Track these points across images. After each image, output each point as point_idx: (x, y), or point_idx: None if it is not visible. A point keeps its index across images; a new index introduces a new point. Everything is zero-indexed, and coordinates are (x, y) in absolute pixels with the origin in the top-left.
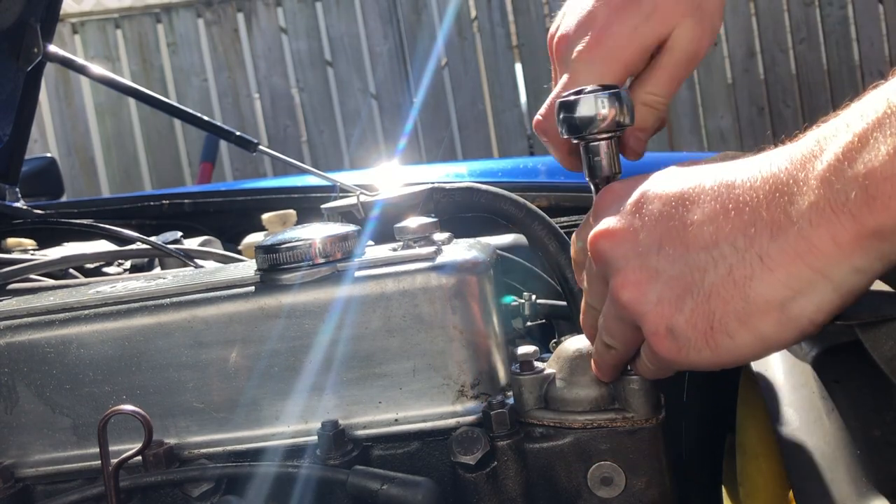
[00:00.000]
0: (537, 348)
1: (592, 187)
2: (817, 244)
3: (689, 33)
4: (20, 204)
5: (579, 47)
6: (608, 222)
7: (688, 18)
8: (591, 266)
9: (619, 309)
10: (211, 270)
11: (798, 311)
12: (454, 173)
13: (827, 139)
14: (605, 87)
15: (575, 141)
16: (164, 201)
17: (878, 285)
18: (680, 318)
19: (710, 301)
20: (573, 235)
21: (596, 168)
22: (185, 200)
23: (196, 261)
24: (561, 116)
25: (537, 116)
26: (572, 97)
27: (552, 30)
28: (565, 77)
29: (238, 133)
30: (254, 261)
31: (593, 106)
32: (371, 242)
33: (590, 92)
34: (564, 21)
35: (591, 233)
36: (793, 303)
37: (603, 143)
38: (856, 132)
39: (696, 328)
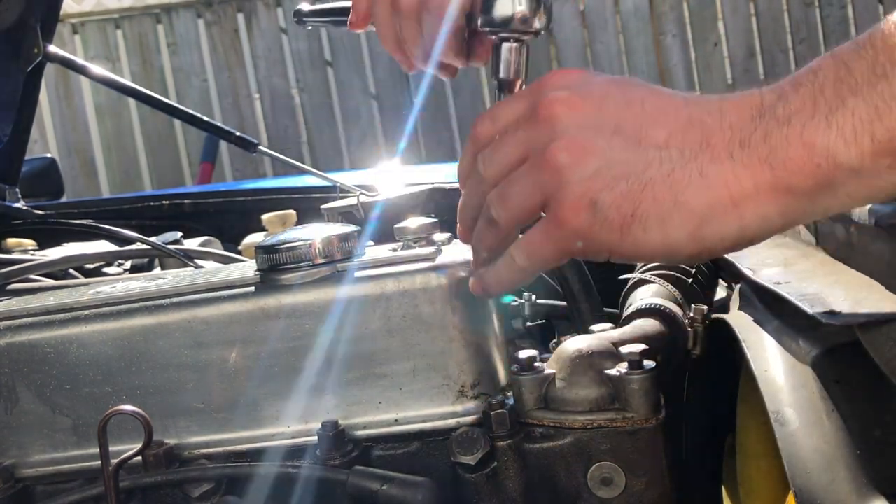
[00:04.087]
0: (536, 352)
1: (497, 84)
2: (742, 181)
3: None
4: (20, 204)
5: None
6: (570, 93)
7: None
8: (523, 130)
9: (542, 171)
10: (211, 271)
11: (708, 231)
12: (454, 174)
13: (775, 102)
14: None
15: (491, 36)
16: (163, 202)
17: (880, 287)
18: (608, 196)
19: (643, 191)
20: (487, 112)
21: (503, 68)
22: (185, 201)
23: (196, 261)
24: (483, 8)
25: None
26: None
27: None
28: None
29: (238, 133)
30: (254, 261)
31: (510, 5)
32: (371, 243)
33: None
34: None
35: (548, 95)
36: (707, 223)
37: (514, 44)
38: (792, 103)
39: (619, 210)
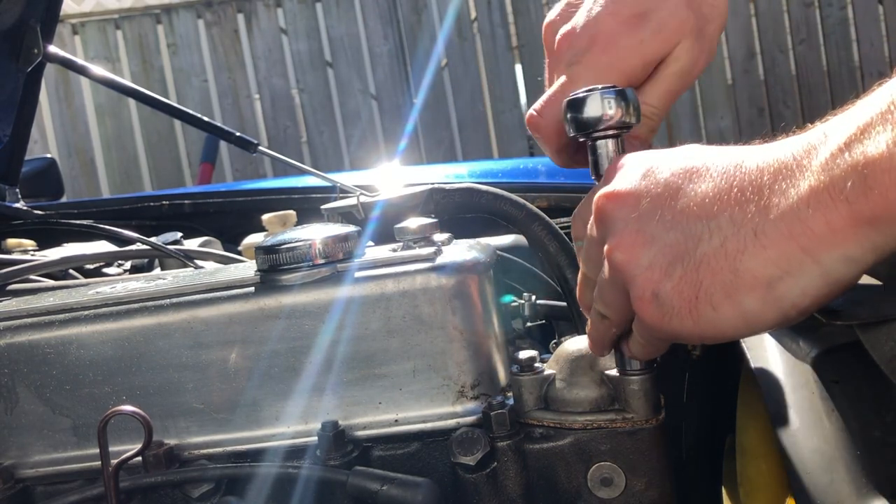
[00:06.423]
0: (536, 353)
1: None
2: (812, 227)
3: (690, 52)
4: (20, 205)
5: (583, 53)
6: (615, 185)
7: (689, 38)
8: (592, 231)
9: (612, 271)
10: (211, 271)
11: (784, 291)
12: (454, 174)
13: (832, 130)
14: (612, 87)
15: (581, 139)
16: (163, 202)
17: (880, 287)
18: (667, 285)
19: (699, 270)
20: (574, 211)
21: (601, 166)
22: (185, 201)
23: (196, 261)
24: (568, 115)
25: (531, 111)
26: (581, 95)
27: (550, 18)
28: (563, 79)
29: (238, 134)
30: (254, 261)
31: (600, 106)
32: (371, 243)
33: (597, 91)
34: (565, 15)
35: (598, 194)
36: (779, 282)
37: (609, 141)
38: (859, 124)
39: (681, 296)
